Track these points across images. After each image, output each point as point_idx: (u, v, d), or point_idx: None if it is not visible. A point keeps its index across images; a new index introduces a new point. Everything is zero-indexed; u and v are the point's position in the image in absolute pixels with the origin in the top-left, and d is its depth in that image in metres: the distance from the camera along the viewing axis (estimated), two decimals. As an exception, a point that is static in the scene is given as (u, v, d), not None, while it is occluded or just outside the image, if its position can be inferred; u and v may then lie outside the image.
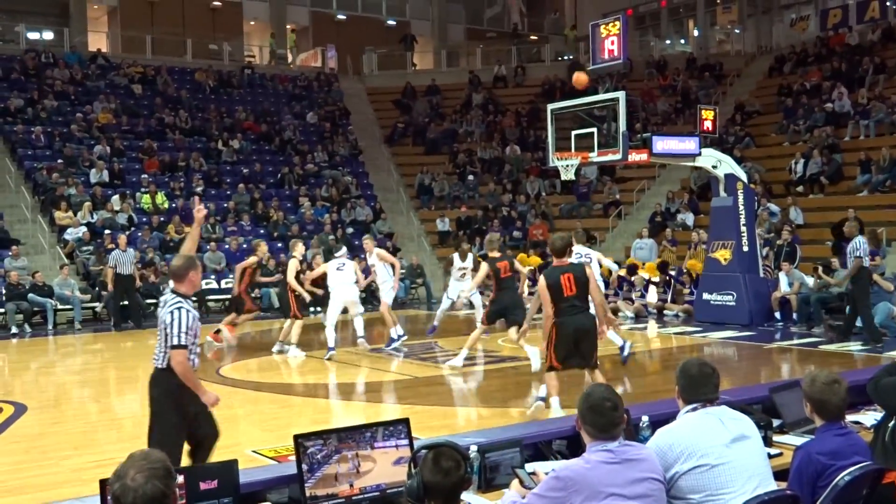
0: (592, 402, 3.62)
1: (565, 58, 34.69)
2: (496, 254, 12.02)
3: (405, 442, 4.30)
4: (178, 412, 5.50)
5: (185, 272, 5.58)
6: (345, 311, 13.80)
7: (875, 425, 4.79)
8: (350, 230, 24.59)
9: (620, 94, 15.78)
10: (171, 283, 5.69)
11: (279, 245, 22.99)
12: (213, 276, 21.11)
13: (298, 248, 14.13)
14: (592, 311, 8.38)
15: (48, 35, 31.59)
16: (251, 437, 8.01)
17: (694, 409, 3.96)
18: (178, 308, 5.48)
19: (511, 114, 30.47)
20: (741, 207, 16.30)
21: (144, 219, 22.44)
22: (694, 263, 18.54)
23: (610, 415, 3.58)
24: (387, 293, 14.47)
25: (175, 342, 5.41)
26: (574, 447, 4.82)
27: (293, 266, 13.84)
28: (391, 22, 37.90)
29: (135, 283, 18.76)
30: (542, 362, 9.34)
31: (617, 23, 16.55)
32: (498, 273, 11.59)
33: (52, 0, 32.12)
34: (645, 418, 5.15)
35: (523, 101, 31.11)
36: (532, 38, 39.01)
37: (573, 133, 16.55)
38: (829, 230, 19.00)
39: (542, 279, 8.15)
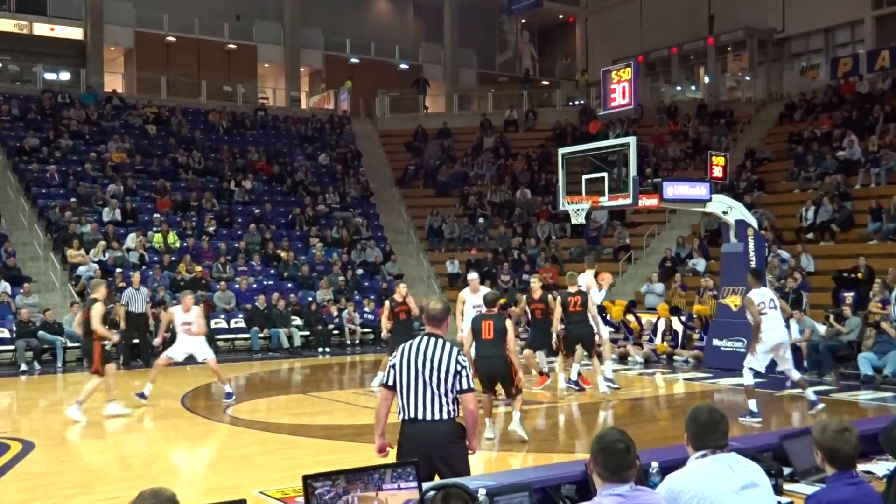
0: (605, 443, 3.61)
1: (576, 103, 34.96)
2: (573, 288, 13.27)
3: (413, 484, 4.28)
4: None
5: (446, 316, 5.56)
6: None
7: (888, 475, 4.74)
8: (360, 271, 24.64)
9: (631, 140, 15.85)
10: (429, 328, 5.50)
11: (289, 286, 23.05)
12: (223, 316, 21.13)
13: (101, 291, 11.85)
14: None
15: (65, 76, 32.02)
16: (259, 477, 7.98)
17: (704, 456, 3.94)
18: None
19: (522, 157, 30.63)
20: (752, 254, 16.29)
21: (156, 257, 22.53)
22: (703, 309, 18.50)
23: (622, 456, 3.56)
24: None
25: (466, 386, 5.29)
26: (583, 492, 4.80)
27: (98, 311, 11.69)
28: (404, 66, 38.29)
29: (147, 321, 18.80)
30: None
31: (628, 69, 16.71)
32: (567, 306, 13.02)
33: (70, 41, 32.62)
34: (655, 464, 5.12)
35: (534, 145, 31.28)
36: (543, 82, 39.34)
37: (584, 177, 16.63)
38: (832, 278, 18.96)
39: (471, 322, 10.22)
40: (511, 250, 25.98)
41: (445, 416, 5.29)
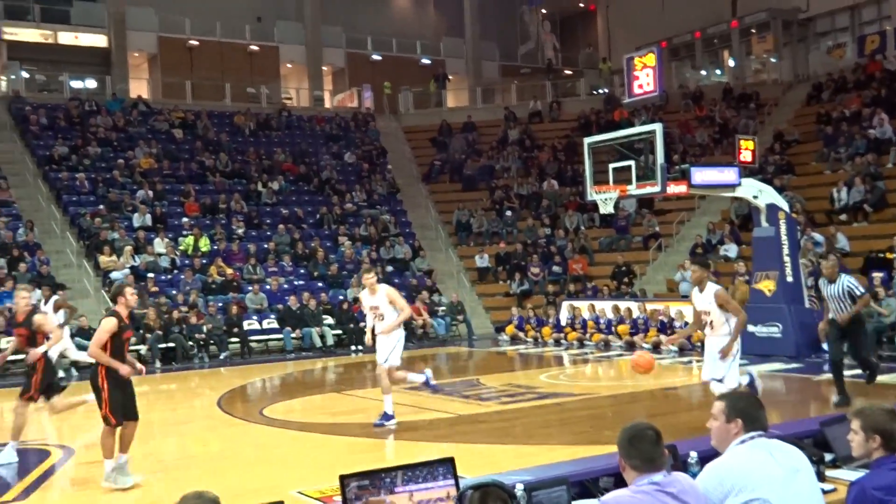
0: (633, 433, 3.59)
1: (600, 91, 34.76)
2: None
3: (451, 482, 4.27)
4: None
5: None
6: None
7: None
8: (389, 268, 24.68)
9: (657, 126, 15.75)
10: None
11: (319, 285, 23.12)
12: (255, 317, 21.26)
13: (123, 299, 8.32)
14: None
15: (91, 83, 32.32)
16: (296, 477, 8.01)
17: (742, 443, 3.89)
18: None
19: (548, 148, 30.51)
20: (784, 237, 16.13)
21: (186, 261, 22.70)
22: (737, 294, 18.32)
23: (653, 444, 3.54)
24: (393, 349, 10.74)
25: None
26: (621, 484, 4.76)
27: (105, 328, 8.22)
28: (426, 61, 38.27)
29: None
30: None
31: (652, 55, 16.62)
32: None
33: (94, 49, 32.91)
34: (693, 454, 5.08)
35: (559, 136, 31.15)
36: (566, 72, 39.15)
37: (611, 166, 16.56)
38: (864, 259, 18.73)
39: None
40: (539, 242, 25.90)
41: None
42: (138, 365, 8.57)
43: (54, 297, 15.98)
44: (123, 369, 7.97)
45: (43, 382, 9.53)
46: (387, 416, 10.48)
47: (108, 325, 7.99)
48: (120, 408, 8.00)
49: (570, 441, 9.37)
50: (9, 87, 29.94)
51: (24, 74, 31.14)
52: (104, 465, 8.02)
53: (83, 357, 15.11)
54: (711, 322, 9.01)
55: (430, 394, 11.87)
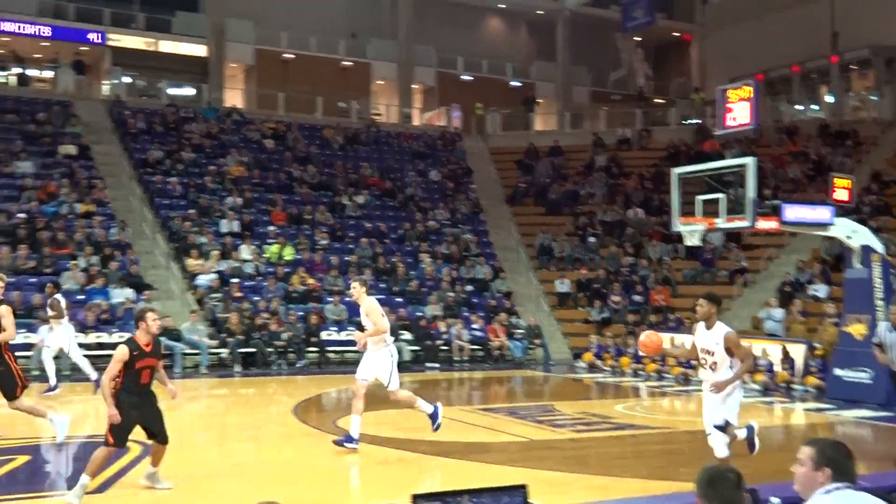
0: (713, 474, 3.47)
1: (691, 121, 34.30)
2: None
3: (525, 509, 4.20)
4: None
5: None
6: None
7: None
8: (469, 288, 24.66)
9: (750, 160, 15.39)
10: None
11: (398, 300, 23.23)
12: (334, 328, 21.46)
13: (144, 323, 7.84)
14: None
15: (188, 91, 33.25)
16: (367, 492, 8.01)
17: (828, 493, 3.73)
18: None
19: (635, 176, 30.19)
20: (877, 280, 15.60)
21: (270, 269, 23.06)
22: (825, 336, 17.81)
23: (733, 486, 3.42)
24: (383, 369, 10.53)
25: None
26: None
27: (118, 356, 7.70)
28: (515, 83, 38.31)
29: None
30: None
31: (748, 87, 16.29)
32: None
33: (193, 58, 33.88)
34: (775, 500, 4.91)
35: (647, 164, 30.81)
36: (657, 101, 38.74)
37: (699, 198, 16.25)
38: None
39: None
40: (622, 270, 25.60)
41: None
42: (170, 387, 8.16)
43: (55, 296, 15.30)
44: (112, 415, 7.48)
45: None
46: (349, 438, 10.10)
47: (118, 355, 7.56)
48: (123, 433, 7.64)
49: (644, 475, 9.18)
50: (111, 92, 31.04)
51: (126, 80, 32.23)
52: (80, 478, 7.54)
53: (83, 363, 14.88)
54: (714, 364, 8.12)
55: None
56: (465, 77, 37.66)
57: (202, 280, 21.76)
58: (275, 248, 23.84)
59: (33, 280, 20.24)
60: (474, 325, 22.62)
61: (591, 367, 21.23)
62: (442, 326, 22.15)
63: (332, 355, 21.12)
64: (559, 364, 22.58)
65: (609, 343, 21.62)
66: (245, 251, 23.30)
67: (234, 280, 21.93)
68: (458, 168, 31.37)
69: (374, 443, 11.02)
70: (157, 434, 7.94)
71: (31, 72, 31.62)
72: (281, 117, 31.39)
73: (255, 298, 21.59)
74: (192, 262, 22.31)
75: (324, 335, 21.12)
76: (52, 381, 14.61)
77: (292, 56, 35.16)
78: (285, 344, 20.28)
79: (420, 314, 22.64)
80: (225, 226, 24.21)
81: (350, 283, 10.92)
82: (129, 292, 20.48)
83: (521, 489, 4.29)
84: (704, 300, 8.28)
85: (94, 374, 14.32)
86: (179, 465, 9.38)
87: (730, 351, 8.01)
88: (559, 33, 38.40)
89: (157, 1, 33.72)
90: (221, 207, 24.96)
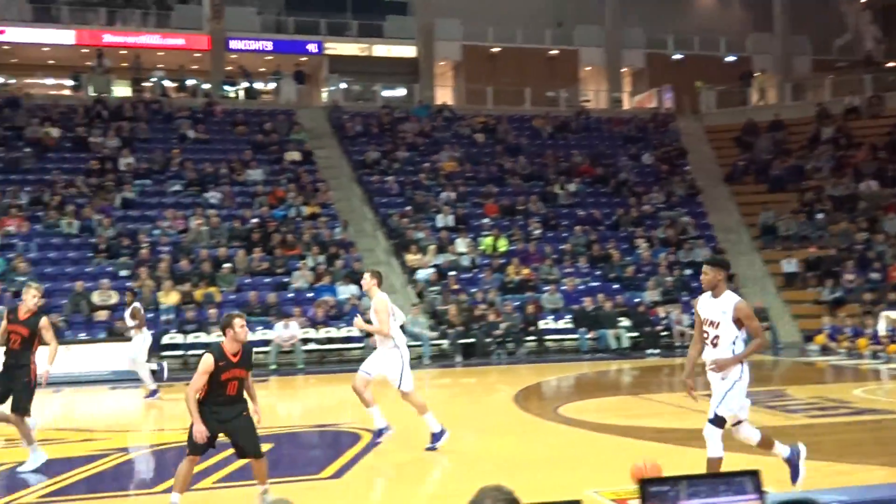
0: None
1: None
2: None
3: (755, 496, 4.00)
4: None
5: None
6: None
7: None
8: (688, 271, 23.95)
9: None
10: None
11: (615, 287, 22.91)
12: (551, 317, 21.50)
13: (230, 331, 7.09)
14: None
15: (400, 92, 34.32)
16: (590, 478, 7.95)
17: None
18: None
19: (866, 147, 28.22)
20: None
21: (486, 261, 23.37)
22: None
23: None
24: (392, 370, 9.78)
25: None
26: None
27: (203, 366, 7.04)
28: (730, 58, 36.81)
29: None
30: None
31: None
32: None
33: (404, 60, 34.92)
34: None
35: (880, 133, 28.72)
36: (889, 65, 35.99)
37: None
38: None
39: None
40: (856, 247, 24.01)
41: None
42: (254, 406, 7.17)
43: (135, 304, 15.25)
44: (199, 431, 6.80)
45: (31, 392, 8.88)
46: (378, 433, 9.76)
47: (202, 366, 6.87)
48: (202, 445, 6.91)
49: (889, 462, 8.56)
50: (329, 98, 32.54)
51: (342, 86, 33.70)
52: (171, 497, 6.99)
53: (146, 375, 14.90)
54: (716, 339, 6.94)
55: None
56: (676, 56, 36.59)
57: (421, 274, 22.38)
58: (489, 241, 24.14)
59: (268, 280, 21.59)
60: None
61: (824, 350, 20.10)
62: (661, 312, 21.65)
63: (550, 344, 21.17)
64: (788, 347, 21.51)
65: (845, 324, 20.38)
66: (461, 244, 23.74)
67: (452, 273, 22.40)
68: (672, 150, 30.52)
69: (597, 430, 10.94)
70: (245, 447, 7.08)
71: (256, 85, 33.69)
72: (490, 111, 31.74)
73: (473, 290, 21.96)
74: (410, 258, 22.99)
75: (541, 324, 21.20)
76: (151, 385, 14.73)
77: (499, 49, 35.51)
78: (503, 334, 20.50)
79: (638, 300, 22.24)
80: (440, 220, 24.77)
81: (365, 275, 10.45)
82: (353, 289, 21.32)
83: (754, 474, 4.09)
84: (709, 266, 7.12)
85: (153, 385, 14.72)
86: (408, 451, 9.69)
87: (739, 322, 6.88)
88: (776, 1, 36.50)
89: (369, 7, 35.06)
90: (437, 203, 25.55)
